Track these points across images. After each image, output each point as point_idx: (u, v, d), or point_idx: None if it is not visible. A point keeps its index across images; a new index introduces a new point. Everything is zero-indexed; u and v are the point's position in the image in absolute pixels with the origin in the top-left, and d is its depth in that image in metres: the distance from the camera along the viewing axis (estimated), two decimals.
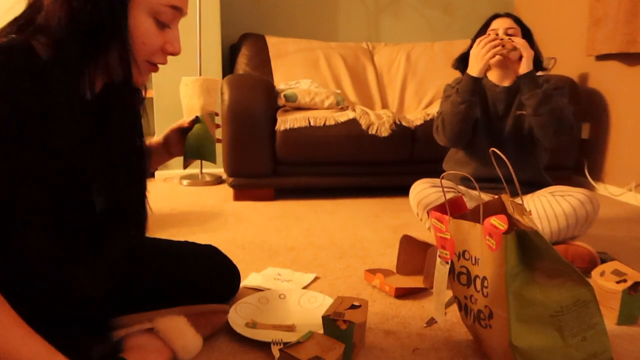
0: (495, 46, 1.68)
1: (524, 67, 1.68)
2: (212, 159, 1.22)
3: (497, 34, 1.75)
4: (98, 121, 0.90)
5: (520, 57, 1.69)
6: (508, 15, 1.84)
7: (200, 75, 2.93)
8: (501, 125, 1.82)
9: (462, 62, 1.88)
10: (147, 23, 0.84)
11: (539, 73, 1.85)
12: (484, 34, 1.82)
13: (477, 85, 1.72)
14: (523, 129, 1.79)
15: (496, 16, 1.84)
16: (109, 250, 0.93)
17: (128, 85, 0.90)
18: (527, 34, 1.80)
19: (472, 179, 1.09)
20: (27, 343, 0.75)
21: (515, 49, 1.69)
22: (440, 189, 1.76)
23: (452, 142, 1.81)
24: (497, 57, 1.72)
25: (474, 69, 1.71)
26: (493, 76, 1.86)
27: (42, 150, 0.78)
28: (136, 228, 1.02)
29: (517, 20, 1.81)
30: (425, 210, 1.75)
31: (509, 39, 1.70)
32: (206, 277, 1.23)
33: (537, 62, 1.80)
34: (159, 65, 0.91)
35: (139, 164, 1.00)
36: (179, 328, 1.04)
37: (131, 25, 0.82)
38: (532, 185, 1.82)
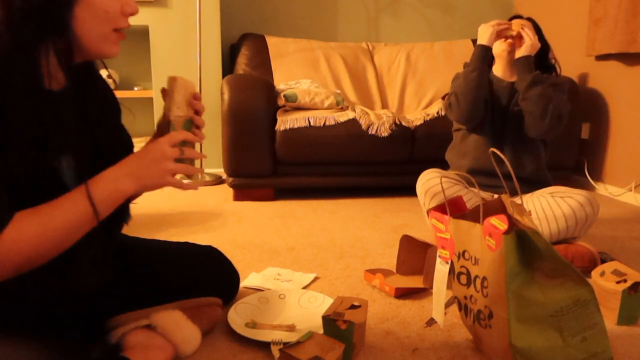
0: (500, 24, 1.78)
1: (522, 51, 1.75)
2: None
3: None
4: (67, 112, 0.89)
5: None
6: (529, 19, 1.88)
7: (200, 75, 2.93)
8: (503, 119, 1.84)
9: None
10: None
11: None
12: None
13: (487, 53, 1.79)
14: (522, 125, 1.80)
15: (517, 16, 1.90)
16: (89, 244, 0.92)
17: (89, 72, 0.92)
18: (542, 38, 1.85)
19: (471, 178, 1.09)
20: (70, 207, 0.82)
21: (520, 37, 1.76)
22: (449, 179, 1.79)
23: (467, 115, 1.79)
24: (505, 51, 1.80)
25: (482, 39, 1.78)
26: (499, 71, 1.89)
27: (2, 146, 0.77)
28: (116, 222, 1.01)
29: (535, 22, 1.87)
30: (432, 199, 1.75)
31: (521, 27, 1.77)
32: (205, 279, 1.23)
33: (549, 69, 1.86)
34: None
35: (114, 155, 0.98)
36: (176, 321, 1.04)
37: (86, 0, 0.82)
38: (533, 183, 1.83)
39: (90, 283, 0.97)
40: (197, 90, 0.98)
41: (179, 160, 0.92)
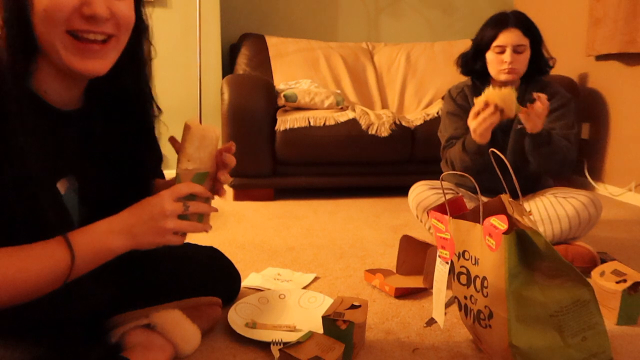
0: (493, 120, 1.51)
1: (530, 128, 1.55)
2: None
3: (487, 104, 1.50)
4: (71, 133, 0.84)
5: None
6: (516, 25, 1.65)
7: (200, 75, 2.93)
8: (504, 138, 1.74)
9: (463, 64, 1.85)
10: None
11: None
12: (488, 46, 1.69)
13: (483, 150, 1.59)
14: (524, 141, 1.67)
15: (503, 27, 1.66)
16: None
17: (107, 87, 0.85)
18: (535, 40, 1.69)
19: (471, 179, 1.09)
20: (46, 257, 0.74)
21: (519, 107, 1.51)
22: (439, 191, 1.75)
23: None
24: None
25: (476, 139, 1.58)
26: (497, 84, 1.76)
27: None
28: None
29: (526, 28, 1.66)
30: (424, 212, 1.74)
31: (521, 108, 1.50)
32: (206, 280, 1.22)
33: (543, 67, 1.76)
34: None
35: (127, 184, 0.92)
36: (175, 320, 1.04)
37: None
38: (532, 191, 1.80)
39: (93, 299, 0.96)
40: (220, 136, 0.83)
41: (183, 216, 0.82)
